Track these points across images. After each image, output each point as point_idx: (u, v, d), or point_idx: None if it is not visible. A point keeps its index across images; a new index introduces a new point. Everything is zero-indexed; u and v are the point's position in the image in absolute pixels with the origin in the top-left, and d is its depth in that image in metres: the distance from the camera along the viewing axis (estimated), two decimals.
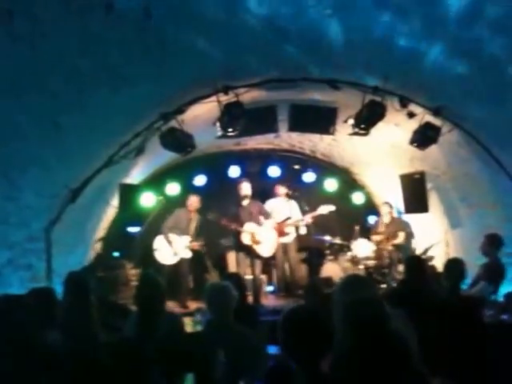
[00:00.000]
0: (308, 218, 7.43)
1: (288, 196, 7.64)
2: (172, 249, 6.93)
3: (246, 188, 7.10)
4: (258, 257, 7.06)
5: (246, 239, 6.95)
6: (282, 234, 7.36)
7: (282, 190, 7.60)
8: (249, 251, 7.01)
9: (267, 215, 7.18)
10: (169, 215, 7.14)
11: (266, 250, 7.06)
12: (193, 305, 6.76)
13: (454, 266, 4.20)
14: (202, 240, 7.09)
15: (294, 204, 7.66)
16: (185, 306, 6.83)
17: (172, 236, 6.96)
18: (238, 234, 6.98)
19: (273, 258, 7.45)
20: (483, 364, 2.75)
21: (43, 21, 3.44)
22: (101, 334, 3.28)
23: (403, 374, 2.13)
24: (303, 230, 7.57)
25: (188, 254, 7.03)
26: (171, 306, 6.61)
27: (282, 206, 7.56)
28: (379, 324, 2.23)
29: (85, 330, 3.22)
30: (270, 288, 7.99)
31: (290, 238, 7.54)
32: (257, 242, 6.95)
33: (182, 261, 7.00)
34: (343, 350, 2.29)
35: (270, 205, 7.49)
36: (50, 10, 3.41)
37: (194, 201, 7.12)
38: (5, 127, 4.05)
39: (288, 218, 7.47)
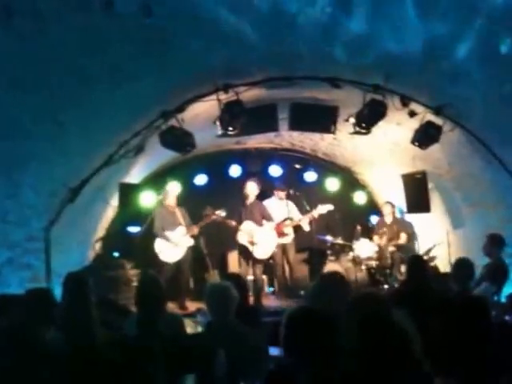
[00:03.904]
0: (307, 218, 7.41)
1: (287, 197, 7.62)
2: (172, 243, 6.91)
3: (250, 187, 7.09)
4: (253, 258, 7.01)
5: (242, 239, 6.92)
6: (280, 234, 7.34)
7: (281, 194, 7.57)
8: (246, 252, 6.99)
9: (269, 218, 7.15)
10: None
11: (261, 251, 7.01)
12: (192, 305, 6.72)
13: (464, 266, 4.16)
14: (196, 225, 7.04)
15: (291, 205, 7.64)
16: (183, 307, 6.78)
17: (167, 233, 6.93)
18: (235, 232, 6.95)
19: (272, 258, 7.42)
20: (486, 364, 2.72)
21: (44, 17, 3.42)
22: (101, 333, 3.25)
23: (407, 373, 2.10)
24: (307, 228, 7.53)
25: (190, 242, 6.97)
26: (170, 307, 6.59)
27: (279, 207, 7.53)
28: (384, 322, 2.20)
29: (84, 329, 3.19)
30: (271, 289, 7.96)
31: (288, 239, 7.52)
32: (253, 243, 6.91)
33: (183, 259, 6.97)
34: (346, 349, 2.26)
35: (267, 205, 7.46)
36: (51, 7, 3.39)
37: (166, 195, 7.06)
38: (5, 124, 4.03)
39: (287, 219, 7.44)
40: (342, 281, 3.18)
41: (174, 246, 6.90)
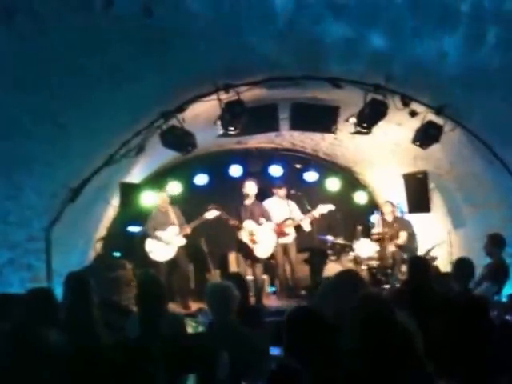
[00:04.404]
0: (308, 218, 7.41)
1: (287, 195, 7.62)
2: (163, 242, 6.92)
3: (250, 187, 7.10)
4: (254, 257, 7.02)
5: (244, 237, 6.93)
6: (281, 234, 7.34)
7: (281, 192, 7.58)
8: (246, 251, 6.99)
9: (268, 217, 7.16)
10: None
11: (262, 250, 7.03)
12: (193, 306, 6.72)
13: (464, 266, 4.15)
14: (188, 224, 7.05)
15: (292, 204, 7.64)
16: (187, 307, 6.79)
17: (158, 233, 6.96)
18: (236, 230, 6.95)
19: (273, 258, 7.42)
20: (487, 364, 2.72)
21: (44, 18, 3.41)
22: (103, 333, 3.25)
23: (409, 371, 2.10)
24: (308, 227, 7.54)
25: (182, 241, 7.00)
26: (173, 307, 6.59)
27: (280, 206, 7.53)
28: (386, 321, 2.20)
29: (86, 329, 3.19)
30: (272, 289, 7.96)
31: (289, 239, 7.53)
32: (254, 242, 6.93)
33: (177, 258, 6.99)
34: (349, 348, 2.26)
35: (267, 204, 7.46)
36: (51, 7, 3.38)
37: (161, 196, 7.09)
38: (5, 125, 4.03)
39: (288, 219, 7.44)
40: (358, 278, 3.19)
41: (165, 245, 6.92)
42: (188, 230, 7.02)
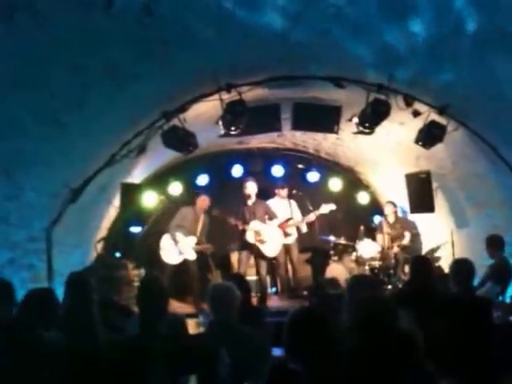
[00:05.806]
0: (309, 218, 7.39)
1: (289, 197, 7.60)
2: (177, 248, 6.89)
3: (251, 187, 7.08)
4: (263, 257, 7.00)
5: (250, 238, 6.91)
6: (283, 234, 7.31)
7: (282, 192, 7.56)
8: (253, 251, 6.97)
9: (272, 215, 7.14)
10: (175, 213, 7.11)
11: (270, 249, 7.02)
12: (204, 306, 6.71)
13: (461, 267, 4.11)
14: (208, 244, 7.05)
15: (294, 204, 7.62)
16: (199, 308, 6.78)
17: (178, 235, 6.93)
18: (242, 232, 6.93)
19: (275, 258, 7.40)
20: (491, 365, 2.70)
21: (44, 17, 3.40)
22: (103, 334, 3.24)
23: (411, 373, 2.09)
24: (304, 228, 7.51)
25: (193, 256, 6.97)
26: (180, 306, 6.59)
27: (282, 207, 7.51)
28: (388, 323, 2.18)
29: (87, 329, 3.18)
30: (274, 289, 7.94)
31: (291, 239, 7.51)
32: (262, 242, 6.92)
33: (190, 261, 6.96)
34: (350, 349, 2.24)
35: (270, 204, 7.44)
36: (52, 6, 3.37)
37: (203, 200, 7.08)
38: (6, 125, 4.02)
39: (290, 219, 7.42)
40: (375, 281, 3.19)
41: (177, 250, 6.90)
42: (203, 249, 7.03)
